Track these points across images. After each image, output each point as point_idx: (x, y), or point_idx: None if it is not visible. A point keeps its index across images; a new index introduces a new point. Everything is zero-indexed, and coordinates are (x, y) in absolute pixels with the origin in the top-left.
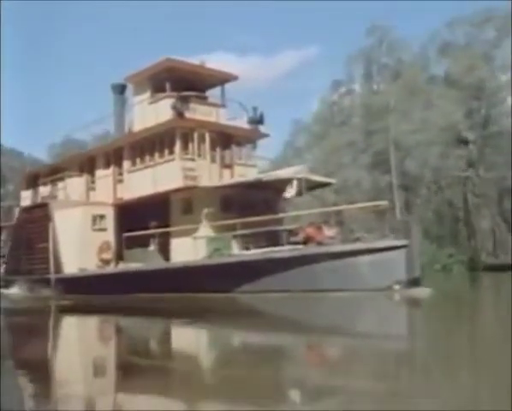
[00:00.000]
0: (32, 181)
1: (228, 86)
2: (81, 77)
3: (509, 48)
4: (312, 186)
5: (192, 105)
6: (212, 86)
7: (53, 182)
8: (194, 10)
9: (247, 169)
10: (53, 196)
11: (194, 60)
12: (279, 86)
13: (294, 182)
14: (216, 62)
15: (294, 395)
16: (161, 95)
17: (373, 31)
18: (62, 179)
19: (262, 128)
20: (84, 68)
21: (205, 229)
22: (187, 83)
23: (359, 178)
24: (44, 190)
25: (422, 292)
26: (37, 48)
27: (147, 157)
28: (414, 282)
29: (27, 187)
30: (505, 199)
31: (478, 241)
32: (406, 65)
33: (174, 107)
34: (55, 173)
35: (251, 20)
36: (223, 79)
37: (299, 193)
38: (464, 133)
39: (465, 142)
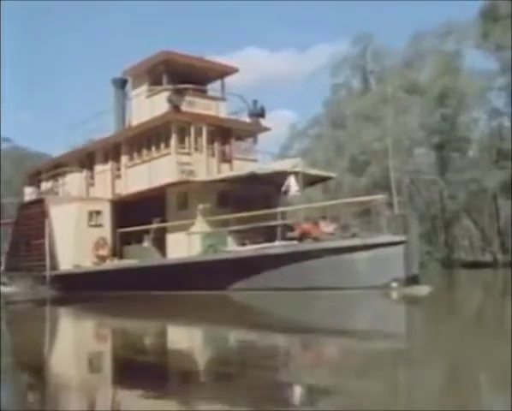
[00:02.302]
0: (35, 178)
1: (259, 81)
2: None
3: (471, 57)
4: (311, 181)
5: (190, 99)
6: (212, 79)
7: (54, 178)
8: (227, 7)
9: (247, 163)
10: (54, 192)
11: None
12: (312, 81)
13: (292, 178)
14: (249, 57)
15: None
16: (157, 88)
17: (358, 40)
18: (63, 175)
19: (263, 122)
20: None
21: (200, 225)
22: (185, 76)
23: (342, 179)
24: (46, 186)
25: (421, 290)
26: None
27: (144, 152)
28: (413, 280)
29: (31, 184)
30: (473, 201)
31: (455, 240)
32: (388, 72)
33: (169, 100)
34: (56, 169)
35: (283, 14)
36: (223, 72)
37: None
38: (432, 138)
39: (437, 147)
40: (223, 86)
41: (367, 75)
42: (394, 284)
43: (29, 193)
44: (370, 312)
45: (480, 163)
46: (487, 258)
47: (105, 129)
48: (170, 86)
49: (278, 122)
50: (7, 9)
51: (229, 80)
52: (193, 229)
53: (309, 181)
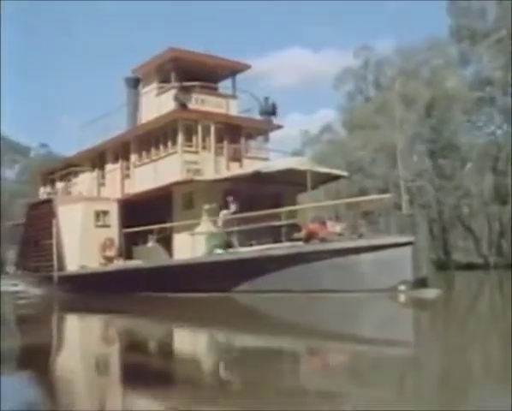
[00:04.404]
0: (50, 177)
1: (303, 81)
2: None
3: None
4: (321, 180)
5: (200, 96)
6: (223, 76)
7: (67, 178)
8: (269, 6)
9: (258, 162)
10: (67, 192)
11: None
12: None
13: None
14: (292, 57)
15: None
16: (166, 86)
17: (359, 52)
18: (75, 174)
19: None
20: None
21: (205, 225)
22: (194, 74)
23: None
24: (59, 186)
25: (430, 293)
26: None
27: (152, 151)
28: (421, 283)
29: (45, 184)
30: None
31: (453, 243)
32: (387, 83)
33: (176, 98)
34: (69, 168)
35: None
36: (233, 69)
37: (305, 188)
38: (427, 146)
39: (431, 154)
40: (234, 83)
41: (369, 86)
42: (401, 287)
43: (43, 193)
44: (377, 317)
45: (476, 169)
46: (480, 260)
47: (120, 129)
48: (177, 84)
49: (321, 121)
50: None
51: (270, 79)
52: (198, 229)
53: (319, 180)
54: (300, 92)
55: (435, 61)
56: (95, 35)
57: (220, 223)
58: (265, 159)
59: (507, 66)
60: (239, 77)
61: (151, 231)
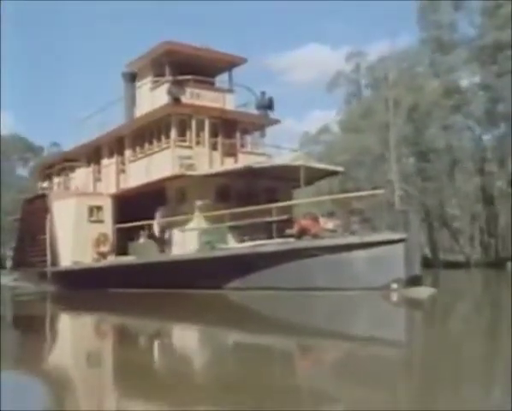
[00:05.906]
0: (46, 172)
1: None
2: None
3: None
4: (317, 176)
5: (195, 91)
6: (220, 70)
7: (64, 173)
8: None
9: (254, 157)
10: (65, 186)
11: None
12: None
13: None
14: (310, 54)
15: None
16: (161, 80)
17: (351, 57)
18: (71, 169)
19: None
20: None
21: (197, 221)
22: (189, 68)
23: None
24: (56, 181)
25: (423, 292)
26: None
27: (146, 146)
28: (415, 281)
29: (44, 179)
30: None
31: (439, 242)
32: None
33: (169, 92)
34: (66, 163)
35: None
36: (230, 62)
37: (298, 184)
38: (413, 148)
39: (417, 156)
40: (230, 77)
41: (363, 88)
42: (394, 285)
43: (40, 188)
44: (369, 316)
45: (463, 171)
46: (463, 258)
47: (119, 123)
48: (171, 78)
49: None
50: None
51: (290, 75)
52: (190, 224)
53: (314, 176)
54: (320, 90)
55: (418, 68)
56: (96, 33)
57: (156, 228)
58: (261, 154)
59: (483, 74)
60: (236, 71)
61: (143, 227)
